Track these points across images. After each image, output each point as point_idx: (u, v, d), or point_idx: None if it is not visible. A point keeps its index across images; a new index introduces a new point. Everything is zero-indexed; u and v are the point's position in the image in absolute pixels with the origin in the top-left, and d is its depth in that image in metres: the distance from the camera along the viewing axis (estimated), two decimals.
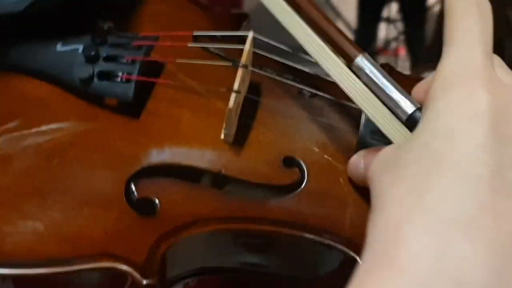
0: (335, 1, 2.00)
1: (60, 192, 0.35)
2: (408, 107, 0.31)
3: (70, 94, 0.39)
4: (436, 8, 1.85)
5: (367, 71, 0.33)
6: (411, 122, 0.31)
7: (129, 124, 0.38)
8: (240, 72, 0.36)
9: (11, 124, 0.37)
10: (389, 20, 1.92)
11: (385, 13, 1.90)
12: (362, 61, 0.33)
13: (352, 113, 0.39)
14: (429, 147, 0.25)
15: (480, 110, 0.25)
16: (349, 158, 0.36)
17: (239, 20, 0.48)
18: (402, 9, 1.87)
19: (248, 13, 0.48)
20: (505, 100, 0.26)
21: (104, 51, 0.38)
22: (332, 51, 0.35)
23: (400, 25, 1.91)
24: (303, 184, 0.36)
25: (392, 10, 1.90)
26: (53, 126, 0.37)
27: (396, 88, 0.32)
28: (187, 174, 0.36)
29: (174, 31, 0.40)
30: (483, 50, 0.28)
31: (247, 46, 0.37)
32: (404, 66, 1.93)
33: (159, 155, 0.37)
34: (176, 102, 0.39)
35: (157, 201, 0.35)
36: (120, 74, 0.37)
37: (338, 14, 2.00)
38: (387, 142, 0.32)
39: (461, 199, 0.23)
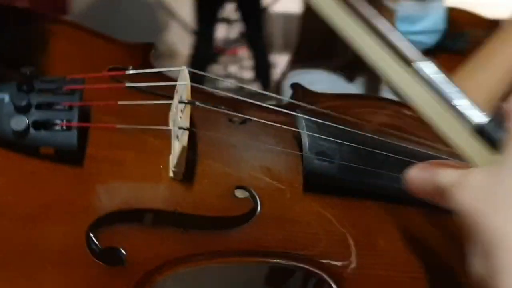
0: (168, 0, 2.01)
1: (19, 257, 0.32)
2: (477, 116, 0.30)
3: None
4: (275, 8, 1.94)
5: (427, 74, 0.32)
6: (482, 133, 0.30)
7: (73, 173, 0.36)
8: (188, 108, 0.36)
9: None
10: (227, 21, 1.98)
11: (223, 14, 1.96)
12: (421, 64, 0.32)
13: (287, 135, 0.41)
14: None
15: None
16: (293, 179, 0.39)
17: (146, 50, 0.48)
18: (239, 9, 1.94)
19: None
20: None
21: (34, 99, 0.36)
22: (391, 55, 0.33)
23: (239, 25, 1.98)
24: (257, 212, 0.38)
25: (230, 10, 1.96)
26: None
27: (462, 94, 0.31)
28: (144, 217, 0.36)
29: (94, 71, 0.39)
30: None
31: (188, 82, 0.37)
32: (244, 65, 1.99)
33: (112, 202, 0.36)
34: (116, 145, 0.38)
35: (121, 249, 0.34)
36: (58, 121, 0.36)
37: (173, 15, 2.02)
38: (335, 161, 0.34)
39: None
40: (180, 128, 0.36)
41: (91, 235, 0.34)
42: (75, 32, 0.47)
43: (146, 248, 0.35)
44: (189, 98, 0.37)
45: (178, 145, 0.37)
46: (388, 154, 0.41)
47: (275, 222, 0.38)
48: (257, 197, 0.38)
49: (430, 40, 0.91)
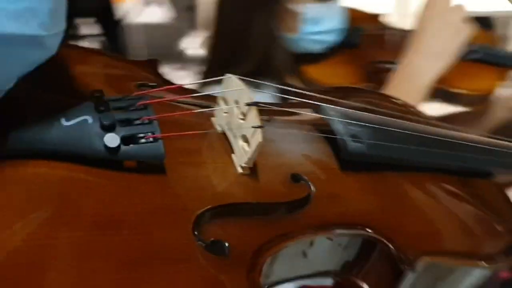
0: None
1: (145, 262, 0.35)
2: None
3: (88, 167, 0.38)
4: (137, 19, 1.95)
5: None
6: None
7: (161, 180, 0.39)
8: (254, 109, 0.41)
9: (42, 213, 0.35)
10: (89, 36, 1.95)
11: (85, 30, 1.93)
12: None
13: (310, 127, 0.48)
14: None
15: None
16: (329, 162, 0.45)
17: (155, 65, 0.51)
18: (99, 22, 1.92)
19: None
20: None
21: (116, 117, 0.38)
22: None
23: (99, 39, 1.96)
24: (312, 193, 0.44)
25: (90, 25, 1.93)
26: (91, 202, 0.37)
27: None
28: (231, 210, 0.40)
29: (122, 88, 0.43)
30: None
31: (243, 87, 0.42)
32: None
33: (202, 202, 0.39)
34: (189, 151, 0.42)
35: (224, 241, 0.38)
36: (142, 135, 0.39)
37: None
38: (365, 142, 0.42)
39: None
40: (253, 127, 0.40)
41: (196, 232, 0.38)
42: (90, 55, 0.49)
43: (242, 236, 0.39)
44: (251, 100, 0.42)
45: (244, 143, 0.42)
46: (401, 130, 0.50)
47: (328, 200, 0.44)
48: (308, 181, 0.44)
49: (333, 38, 1.01)
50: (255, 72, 0.98)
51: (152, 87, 0.47)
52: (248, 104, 0.41)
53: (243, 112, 0.42)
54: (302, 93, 0.48)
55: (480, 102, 1.04)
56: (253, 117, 0.41)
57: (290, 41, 0.98)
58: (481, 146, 0.53)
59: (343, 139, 0.46)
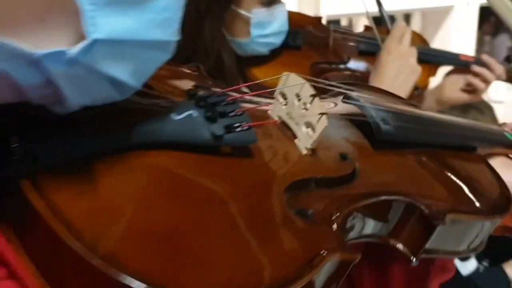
0: None
1: (259, 225, 0.42)
2: None
3: (196, 154, 0.44)
4: None
5: None
6: None
7: (251, 161, 0.47)
8: (317, 99, 0.50)
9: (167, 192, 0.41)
10: None
11: None
12: None
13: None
14: None
15: None
16: (362, 143, 0.55)
17: (200, 69, 0.59)
18: None
19: None
20: None
21: (216, 110, 0.45)
22: None
23: None
24: (357, 168, 0.53)
25: None
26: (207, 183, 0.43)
27: None
28: (307, 184, 0.48)
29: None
30: None
31: (304, 81, 0.51)
32: None
33: (285, 178, 0.47)
34: (270, 137, 0.49)
35: (309, 209, 0.46)
36: (238, 124, 0.46)
37: None
38: (391, 124, 0.52)
39: None
40: (320, 114, 0.49)
41: (287, 201, 0.45)
42: None
43: (320, 204, 0.47)
44: (313, 92, 0.50)
45: (308, 129, 0.50)
46: (418, 115, 0.60)
47: (369, 173, 0.53)
48: (352, 158, 0.53)
49: (278, 40, 1.10)
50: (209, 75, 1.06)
51: (208, 88, 0.53)
52: (313, 96, 0.50)
53: (305, 102, 0.50)
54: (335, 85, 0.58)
55: (415, 97, 1.19)
56: (318, 106, 0.49)
57: (239, 45, 1.06)
58: (469, 127, 0.66)
59: (376, 122, 0.56)
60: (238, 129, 0.45)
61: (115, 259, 0.33)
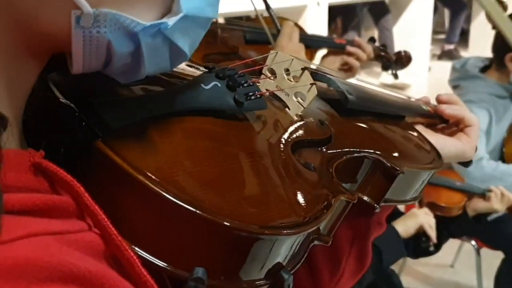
0: None
1: (288, 175, 0.49)
2: None
3: (220, 119, 0.50)
4: None
5: None
6: None
7: (262, 124, 0.53)
8: (307, 73, 0.57)
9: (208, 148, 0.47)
10: None
11: None
12: None
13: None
14: None
15: None
16: (331, 112, 0.64)
17: None
18: None
19: None
20: None
21: (234, 81, 0.51)
22: None
23: None
24: (333, 132, 0.61)
25: None
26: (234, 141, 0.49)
27: None
28: (302, 144, 0.56)
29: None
30: None
31: (292, 57, 0.58)
32: None
33: (288, 138, 0.54)
34: (268, 106, 0.56)
35: (311, 163, 0.54)
36: (251, 93, 0.52)
37: None
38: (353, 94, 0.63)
39: None
40: (311, 84, 0.57)
41: (295, 155, 0.52)
42: None
43: (315, 160, 0.55)
44: (302, 66, 0.58)
45: (298, 98, 0.58)
46: (365, 88, 0.70)
47: (342, 136, 0.62)
48: (328, 124, 0.62)
49: None
50: None
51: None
52: (303, 69, 0.57)
53: (295, 76, 0.58)
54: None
55: None
56: (308, 78, 0.57)
57: None
58: (397, 99, 0.78)
59: (344, 92, 0.65)
60: (253, 97, 0.52)
61: (185, 197, 0.38)
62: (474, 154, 0.82)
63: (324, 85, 0.68)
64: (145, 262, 0.37)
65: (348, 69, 1.55)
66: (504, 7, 1.55)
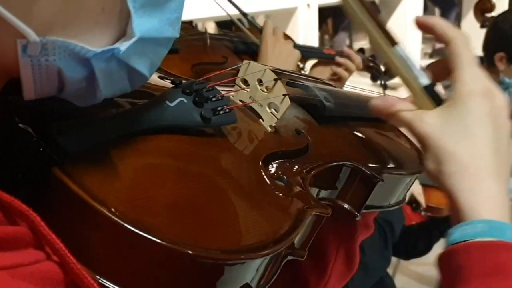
0: None
1: (255, 193, 0.48)
2: (424, 79, 0.53)
3: (187, 136, 0.49)
4: None
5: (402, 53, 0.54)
6: (428, 90, 0.53)
7: (231, 139, 0.52)
8: (280, 83, 0.56)
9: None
10: None
11: None
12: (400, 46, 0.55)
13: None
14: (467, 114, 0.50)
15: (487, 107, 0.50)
16: (309, 119, 0.63)
17: None
18: None
19: None
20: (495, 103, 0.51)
21: (202, 96, 0.50)
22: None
23: None
24: (310, 141, 0.60)
25: None
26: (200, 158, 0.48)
27: (415, 64, 0.54)
28: (276, 156, 0.55)
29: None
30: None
31: (266, 67, 0.57)
32: None
33: (259, 151, 0.53)
34: (242, 119, 0.55)
35: (283, 176, 0.53)
36: (220, 108, 0.51)
37: None
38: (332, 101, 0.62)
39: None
40: (283, 95, 0.56)
41: (266, 169, 0.51)
42: None
43: (289, 173, 0.54)
44: (275, 76, 0.57)
45: (272, 109, 0.57)
46: (345, 92, 0.69)
47: (320, 145, 0.61)
48: (305, 133, 0.61)
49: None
50: None
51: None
52: (276, 80, 0.56)
53: (268, 86, 0.57)
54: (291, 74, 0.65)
55: None
56: (281, 88, 0.56)
57: None
58: None
59: (321, 99, 0.64)
60: (222, 111, 0.51)
61: (145, 226, 0.37)
62: None
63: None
64: None
65: (337, 79, 1.55)
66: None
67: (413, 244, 1.96)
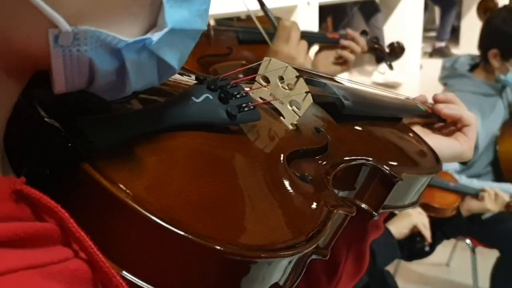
0: None
1: (281, 192, 0.47)
2: None
3: (212, 133, 0.48)
4: None
5: None
6: None
7: (255, 137, 0.52)
8: (302, 80, 0.56)
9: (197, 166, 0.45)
10: None
11: None
12: None
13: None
14: None
15: None
16: (327, 118, 0.62)
17: None
18: None
19: None
20: None
21: (227, 92, 0.49)
22: None
23: None
24: (329, 140, 0.60)
25: None
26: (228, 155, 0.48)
27: None
28: (297, 154, 0.54)
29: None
30: None
31: (287, 64, 0.56)
32: None
33: (282, 149, 0.52)
34: (264, 116, 0.54)
35: (307, 175, 0.52)
36: (244, 105, 0.50)
37: None
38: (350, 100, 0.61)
39: None
40: (306, 92, 0.55)
41: (290, 167, 0.50)
42: None
43: (311, 171, 0.53)
44: (297, 74, 0.56)
45: (293, 107, 0.56)
46: (361, 92, 0.68)
47: (339, 143, 0.61)
48: (324, 131, 0.60)
49: None
50: None
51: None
52: (298, 77, 0.56)
53: (289, 84, 0.56)
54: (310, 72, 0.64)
55: None
56: (303, 86, 0.55)
57: None
58: (394, 101, 0.76)
59: (339, 98, 0.63)
60: (246, 108, 0.50)
61: (177, 222, 0.37)
62: (472, 154, 0.81)
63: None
64: None
65: (342, 63, 1.53)
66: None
67: (415, 245, 1.95)
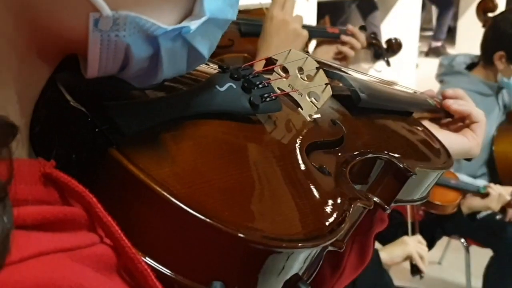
0: None
1: (303, 182, 0.47)
2: None
3: (236, 122, 0.48)
4: None
5: None
6: None
7: (275, 127, 0.51)
8: (321, 72, 0.55)
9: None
10: None
11: None
12: None
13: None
14: None
15: None
16: (343, 111, 0.62)
17: None
18: None
19: None
20: None
21: (249, 82, 0.49)
22: None
23: None
24: (345, 132, 0.60)
25: None
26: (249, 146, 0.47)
27: None
28: (315, 146, 0.54)
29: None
30: None
31: (307, 56, 0.56)
32: None
33: (301, 140, 0.52)
34: (283, 107, 0.54)
35: (325, 167, 0.52)
36: (266, 95, 0.50)
37: None
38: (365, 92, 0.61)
39: None
40: (325, 84, 0.55)
41: (309, 159, 0.50)
42: None
43: (329, 163, 0.53)
44: (317, 65, 0.56)
45: (312, 98, 0.56)
46: (375, 85, 0.68)
47: (354, 136, 0.61)
48: (340, 124, 0.60)
49: None
50: None
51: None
52: (318, 68, 0.55)
53: (309, 75, 0.56)
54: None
55: None
56: (322, 77, 0.55)
57: None
58: (405, 95, 0.76)
59: (356, 90, 0.63)
60: (268, 99, 0.50)
61: (204, 210, 0.36)
62: (479, 151, 0.81)
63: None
64: (160, 275, 0.36)
65: (342, 59, 1.53)
66: None
67: (412, 272, 1.88)
